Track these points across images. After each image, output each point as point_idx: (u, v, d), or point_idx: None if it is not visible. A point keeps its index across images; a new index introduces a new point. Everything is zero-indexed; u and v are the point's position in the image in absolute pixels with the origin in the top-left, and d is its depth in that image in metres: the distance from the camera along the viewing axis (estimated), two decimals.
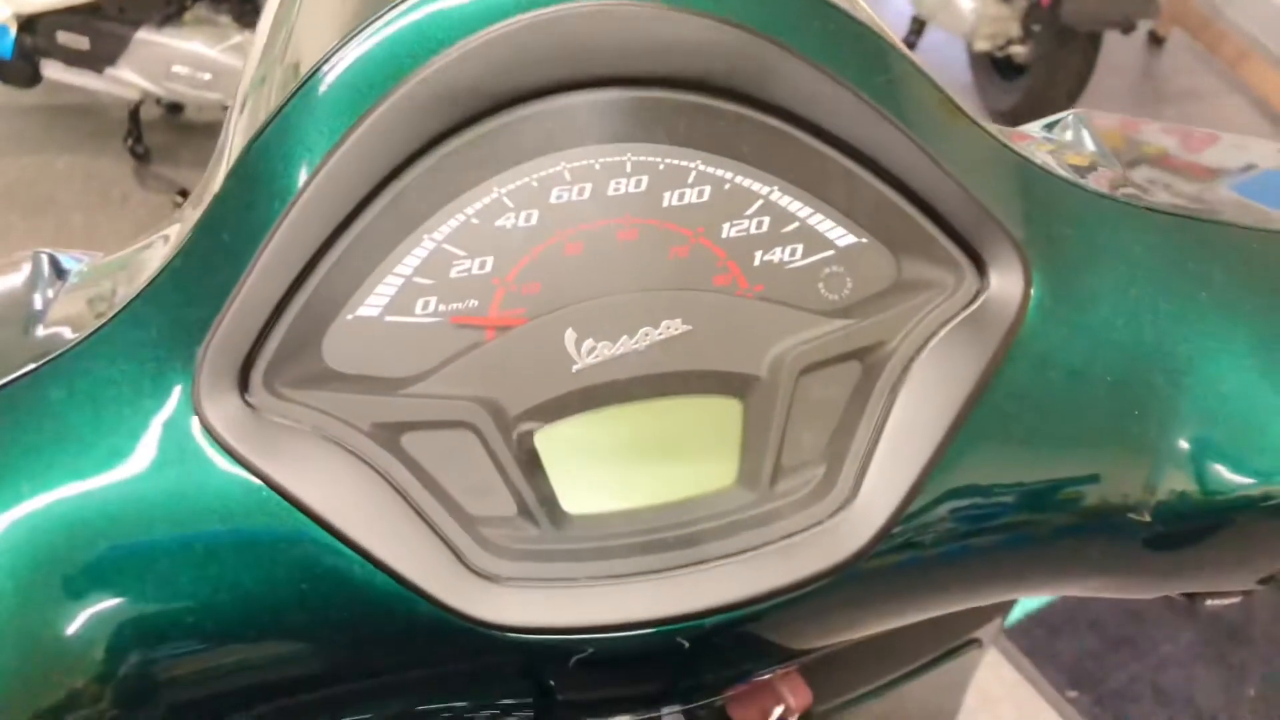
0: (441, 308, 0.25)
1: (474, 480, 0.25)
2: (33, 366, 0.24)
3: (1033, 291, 0.26)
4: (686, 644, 0.25)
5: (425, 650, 0.24)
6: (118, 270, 0.27)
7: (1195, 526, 0.27)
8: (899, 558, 0.26)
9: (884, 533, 0.24)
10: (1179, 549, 0.27)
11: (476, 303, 0.25)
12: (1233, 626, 1.48)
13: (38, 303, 0.26)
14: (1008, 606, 0.55)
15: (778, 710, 0.42)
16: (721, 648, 0.26)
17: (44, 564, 0.23)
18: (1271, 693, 1.41)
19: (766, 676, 0.42)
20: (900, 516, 0.25)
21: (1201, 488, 0.26)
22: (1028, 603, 1.50)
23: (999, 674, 1.43)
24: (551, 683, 0.26)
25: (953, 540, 0.26)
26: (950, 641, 0.54)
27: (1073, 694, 1.41)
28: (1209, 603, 0.30)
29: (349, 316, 0.25)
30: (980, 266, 0.26)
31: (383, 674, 0.25)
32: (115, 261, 0.28)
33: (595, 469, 0.25)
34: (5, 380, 0.24)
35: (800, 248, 0.26)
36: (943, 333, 0.25)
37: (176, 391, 0.24)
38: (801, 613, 0.26)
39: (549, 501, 0.25)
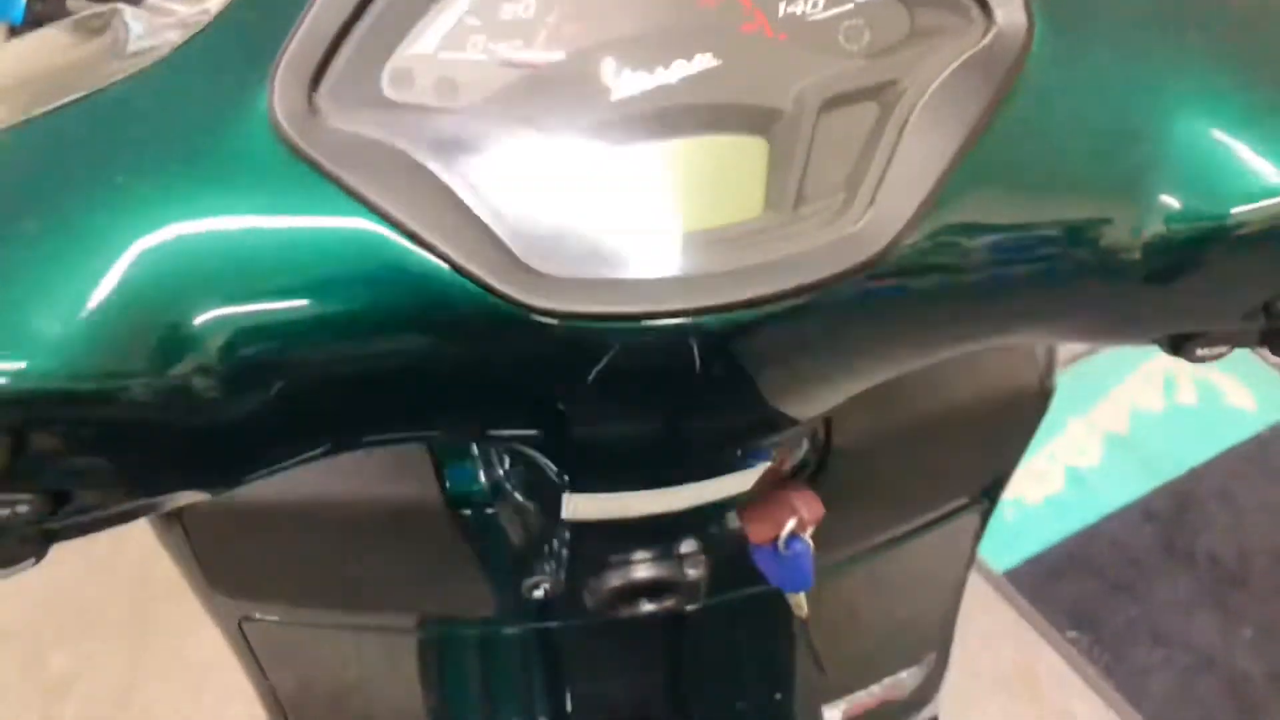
0: (490, 46, 0.27)
1: (522, 199, 0.27)
2: (118, 79, 0.27)
3: (1035, 30, 0.28)
4: (715, 342, 0.27)
5: (477, 338, 0.27)
6: (188, 15, 0.29)
7: (1181, 259, 0.29)
8: (910, 278, 0.28)
9: (898, 240, 0.27)
10: (1168, 283, 0.30)
11: (522, 42, 0.27)
12: (1230, 573, 1.50)
13: (118, 34, 0.29)
14: (1007, 465, 0.57)
15: (790, 523, 0.44)
16: (745, 360, 0.28)
17: (144, 271, 0.25)
18: (1267, 635, 1.43)
19: (782, 485, 0.45)
20: (914, 227, 0.27)
21: (1185, 220, 0.29)
22: (1028, 547, 1.52)
23: (1000, 615, 1.46)
24: (579, 396, 0.28)
25: (961, 269, 0.28)
26: (952, 496, 0.57)
27: (1072, 634, 1.43)
28: (1199, 352, 0.32)
29: (406, 52, 0.27)
30: (987, 10, 0.28)
31: (437, 370, 0.27)
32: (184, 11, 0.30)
33: (631, 199, 0.28)
34: (89, 92, 0.27)
35: (821, 1, 0.28)
36: (952, 67, 0.28)
37: (253, 102, 0.26)
38: (825, 322, 0.28)
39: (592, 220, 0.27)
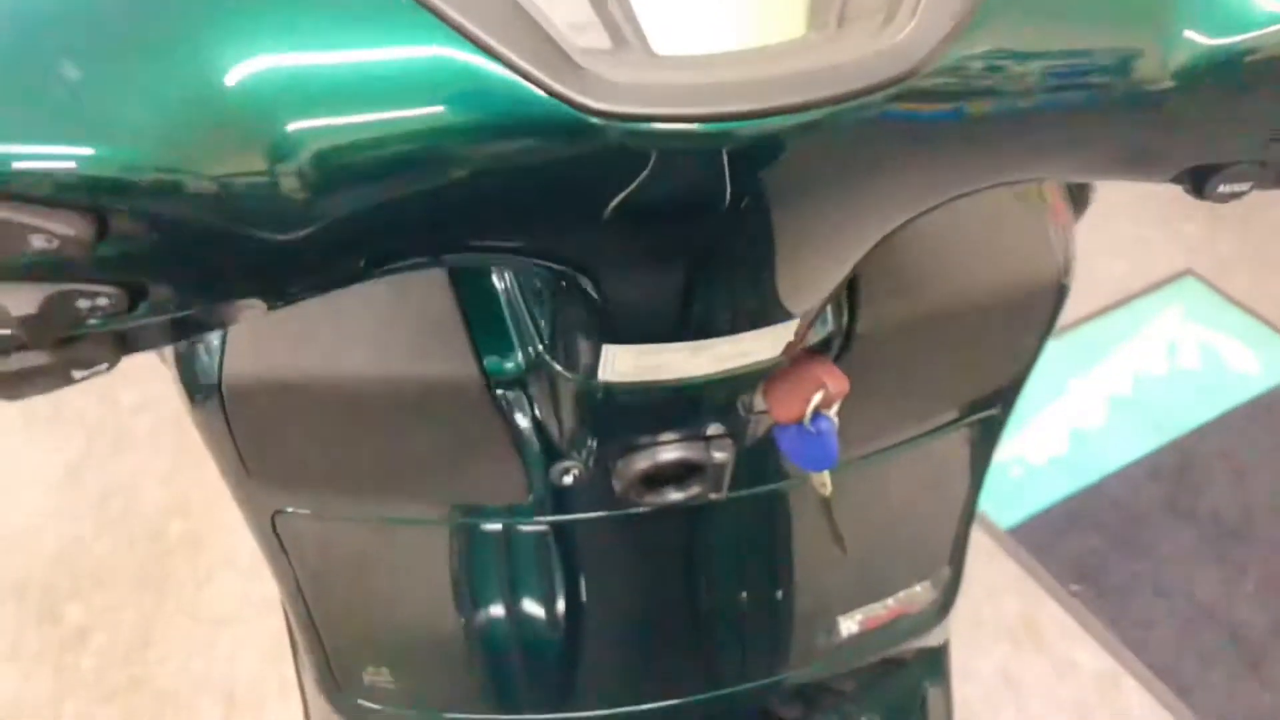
0: None
1: (575, 18, 0.28)
2: None
3: None
4: (759, 148, 0.28)
5: (535, 138, 0.28)
6: None
7: (1207, 85, 0.31)
8: (946, 99, 0.29)
9: (937, 53, 0.28)
10: (1192, 109, 0.31)
11: None
12: (1232, 529, 1.52)
13: None
14: (1022, 367, 0.59)
15: (817, 396, 0.46)
16: (782, 171, 0.29)
17: (228, 73, 0.26)
18: (1268, 588, 1.45)
19: (804, 355, 0.46)
20: (951, 41, 0.28)
21: (1207, 44, 0.30)
22: (1032, 504, 1.54)
23: (1004, 569, 1.47)
24: (637, 204, 0.29)
25: (994, 91, 0.30)
26: (969, 394, 0.58)
27: (1076, 588, 1.45)
28: (1221, 189, 0.33)
29: None
30: None
31: (496, 175, 0.29)
32: None
33: (677, 20, 0.29)
34: None
35: None
36: None
37: None
38: (863, 136, 0.29)
39: (641, 41, 0.29)
